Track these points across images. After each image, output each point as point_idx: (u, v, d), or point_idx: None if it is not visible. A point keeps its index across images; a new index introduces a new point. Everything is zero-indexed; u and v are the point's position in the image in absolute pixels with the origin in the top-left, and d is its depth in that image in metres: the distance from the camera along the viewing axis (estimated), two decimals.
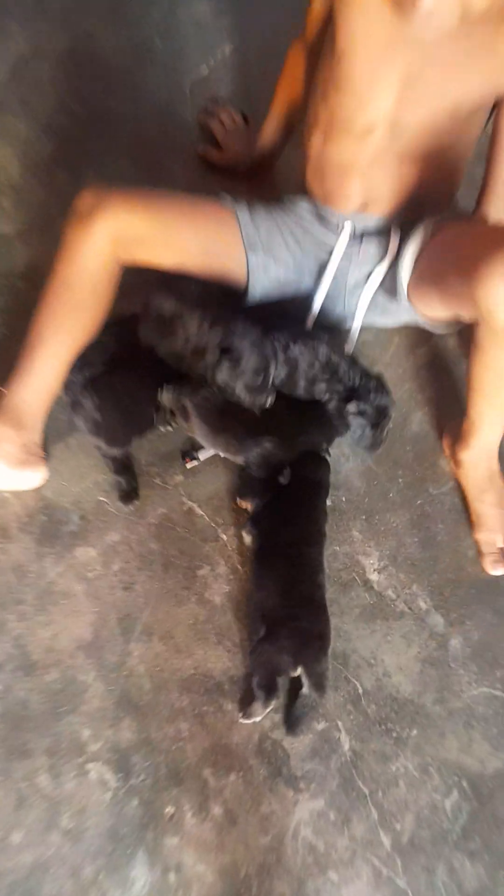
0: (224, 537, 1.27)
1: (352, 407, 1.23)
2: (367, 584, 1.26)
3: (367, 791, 1.13)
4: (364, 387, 1.23)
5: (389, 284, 1.24)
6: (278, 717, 1.15)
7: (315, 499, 1.23)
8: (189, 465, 1.29)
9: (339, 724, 1.17)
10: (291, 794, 1.12)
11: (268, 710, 1.12)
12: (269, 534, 1.20)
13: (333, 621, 1.21)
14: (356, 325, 1.31)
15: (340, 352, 1.23)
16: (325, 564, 1.22)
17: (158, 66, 1.63)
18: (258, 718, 1.12)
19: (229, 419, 1.20)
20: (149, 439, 1.31)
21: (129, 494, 1.26)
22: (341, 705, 1.18)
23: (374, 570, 1.27)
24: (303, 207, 1.26)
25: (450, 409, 1.39)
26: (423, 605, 1.26)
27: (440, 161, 1.13)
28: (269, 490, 1.23)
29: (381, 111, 1.06)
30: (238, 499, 1.27)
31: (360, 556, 1.28)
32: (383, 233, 1.22)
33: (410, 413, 1.40)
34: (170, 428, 1.30)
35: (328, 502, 1.27)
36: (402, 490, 1.34)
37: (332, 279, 1.26)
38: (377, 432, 1.25)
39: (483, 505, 1.30)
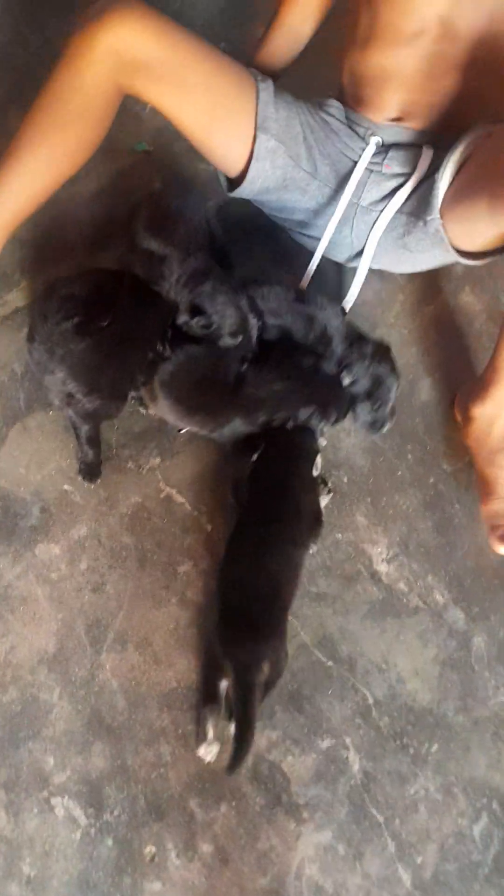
0: (208, 527, 1.10)
1: (345, 377, 1.07)
2: (374, 576, 1.10)
3: (381, 819, 0.97)
4: (358, 352, 1.06)
5: (415, 205, 1.08)
6: (276, 736, 0.99)
7: (291, 467, 1.06)
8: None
9: (347, 740, 1.01)
10: (293, 826, 0.96)
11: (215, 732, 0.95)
12: (245, 509, 1.04)
13: (337, 619, 1.05)
14: (365, 257, 1.13)
15: (338, 321, 1.08)
16: (328, 555, 1.06)
17: None
18: (210, 749, 0.95)
19: (202, 395, 1.05)
20: (119, 417, 1.14)
21: (94, 468, 1.10)
22: (349, 718, 1.02)
23: (383, 560, 1.11)
24: (332, 107, 1.13)
25: (462, 375, 1.22)
26: (439, 598, 1.10)
27: (495, 75, 1.01)
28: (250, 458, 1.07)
29: (433, 12, 0.96)
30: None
31: (365, 545, 1.11)
32: (415, 148, 1.08)
33: (418, 380, 1.23)
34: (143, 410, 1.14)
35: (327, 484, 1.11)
36: (411, 467, 1.17)
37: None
38: (377, 407, 1.08)
39: (496, 469, 1.11)
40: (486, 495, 1.12)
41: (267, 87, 1.08)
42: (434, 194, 1.03)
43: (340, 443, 1.17)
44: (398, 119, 1.08)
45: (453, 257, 1.08)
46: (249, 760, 0.97)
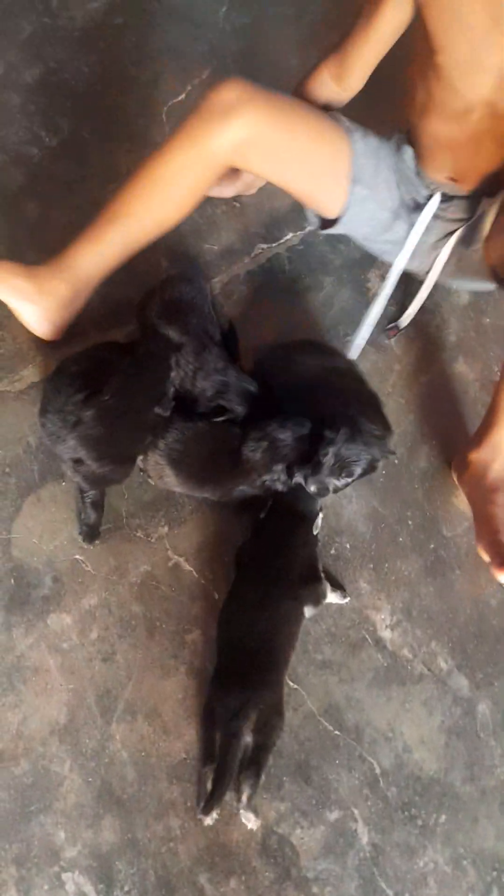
0: (215, 595, 1.13)
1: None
2: (379, 643, 1.12)
3: (391, 893, 0.97)
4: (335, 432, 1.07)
5: (467, 234, 1.22)
6: (284, 808, 1.00)
7: (288, 524, 1.10)
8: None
9: (356, 812, 1.01)
10: None
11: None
12: (243, 569, 1.08)
13: (343, 688, 1.06)
14: (430, 281, 1.28)
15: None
16: (332, 622, 1.08)
17: (132, 94, 1.55)
18: (210, 814, 0.94)
19: (212, 467, 1.10)
20: (128, 486, 1.18)
21: (94, 531, 1.14)
22: (356, 789, 1.02)
23: (387, 627, 1.13)
24: (406, 153, 1.22)
25: (458, 442, 1.26)
26: (443, 664, 1.11)
27: None
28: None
29: (481, 95, 1.04)
30: None
31: (369, 611, 1.14)
32: (473, 198, 1.21)
33: (416, 447, 1.27)
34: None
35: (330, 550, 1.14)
36: (412, 533, 1.20)
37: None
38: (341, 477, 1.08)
39: (492, 506, 1.15)
40: (485, 532, 1.14)
41: (357, 140, 1.17)
42: (480, 228, 1.18)
43: (342, 509, 1.21)
44: (453, 180, 1.18)
45: (486, 282, 1.21)
46: (259, 833, 0.97)
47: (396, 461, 1.24)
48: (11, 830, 0.96)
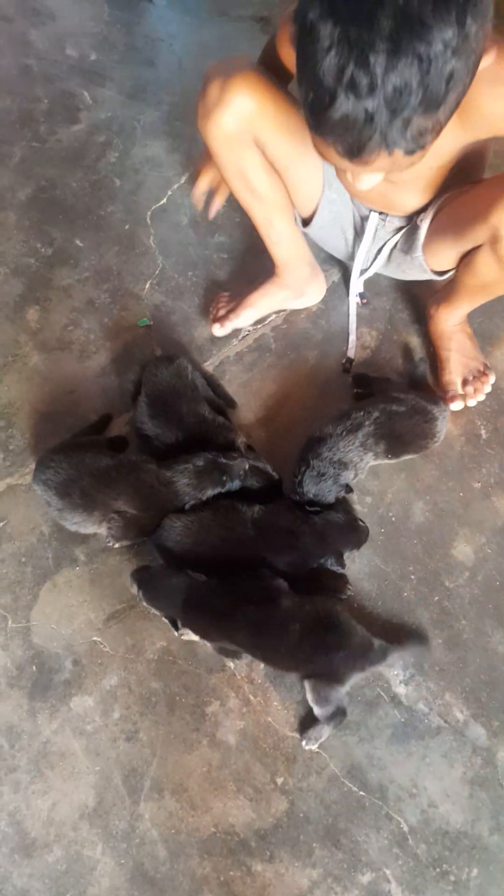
0: (231, 665, 1.16)
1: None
2: (394, 699, 1.14)
3: None
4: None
5: (405, 244, 1.35)
6: (317, 874, 1.00)
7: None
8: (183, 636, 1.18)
9: (387, 872, 1.01)
10: None
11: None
12: None
13: (364, 747, 1.08)
14: (371, 271, 1.48)
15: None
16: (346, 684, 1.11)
17: (118, 203, 1.70)
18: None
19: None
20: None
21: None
22: (386, 849, 1.03)
23: (401, 682, 1.16)
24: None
25: (451, 494, 1.32)
26: (459, 715, 1.13)
27: (451, 179, 1.20)
28: None
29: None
30: None
31: (382, 668, 1.16)
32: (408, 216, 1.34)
33: (411, 504, 1.33)
34: None
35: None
36: (416, 587, 1.25)
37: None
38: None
39: (447, 351, 1.42)
40: (441, 370, 1.42)
41: None
42: (417, 236, 1.30)
43: (346, 570, 1.25)
44: (384, 210, 1.31)
45: (430, 276, 1.38)
46: None
47: (394, 518, 1.30)
48: None
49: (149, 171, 1.73)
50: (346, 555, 1.23)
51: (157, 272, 1.58)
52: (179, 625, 1.13)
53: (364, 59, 0.71)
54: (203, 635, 1.13)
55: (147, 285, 1.57)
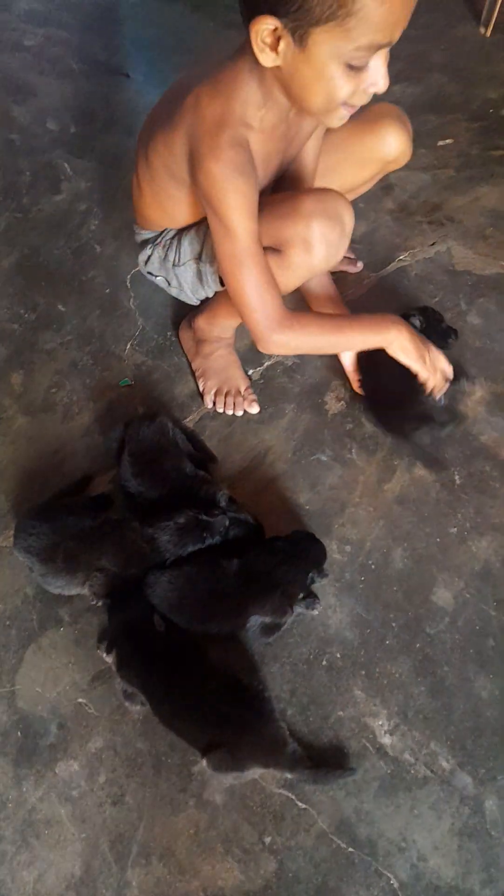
0: None
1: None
2: (380, 750, 1.14)
3: None
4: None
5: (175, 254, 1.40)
6: None
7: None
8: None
9: None
10: None
11: None
12: None
13: (351, 801, 1.08)
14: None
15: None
16: (332, 734, 1.11)
17: (99, 268, 1.77)
18: None
19: (213, 605, 1.20)
20: None
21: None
22: None
23: (386, 733, 1.16)
24: None
25: (428, 539, 1.35)
26: (445, 764, 1.13)
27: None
28: None
29: None
30: None
31: (367, 719, 1.17)
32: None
33: (390, 551, 1.35)
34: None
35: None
36: (397, 635, 1.26)
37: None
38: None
39: (200, 358, 1.54)
40: (199, 378, 1.54)
41: None
42: (181, 247, 1.36)
43: (328, 620, 1.26)
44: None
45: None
46: None
47: (374, 566, 1.32)
48: None
49: (128, 237, 1.81)
50: (326, 606, 1.25)
51: (137, 333, 1.64)
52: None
53: None
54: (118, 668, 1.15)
55: (128, 346, 1.63)
